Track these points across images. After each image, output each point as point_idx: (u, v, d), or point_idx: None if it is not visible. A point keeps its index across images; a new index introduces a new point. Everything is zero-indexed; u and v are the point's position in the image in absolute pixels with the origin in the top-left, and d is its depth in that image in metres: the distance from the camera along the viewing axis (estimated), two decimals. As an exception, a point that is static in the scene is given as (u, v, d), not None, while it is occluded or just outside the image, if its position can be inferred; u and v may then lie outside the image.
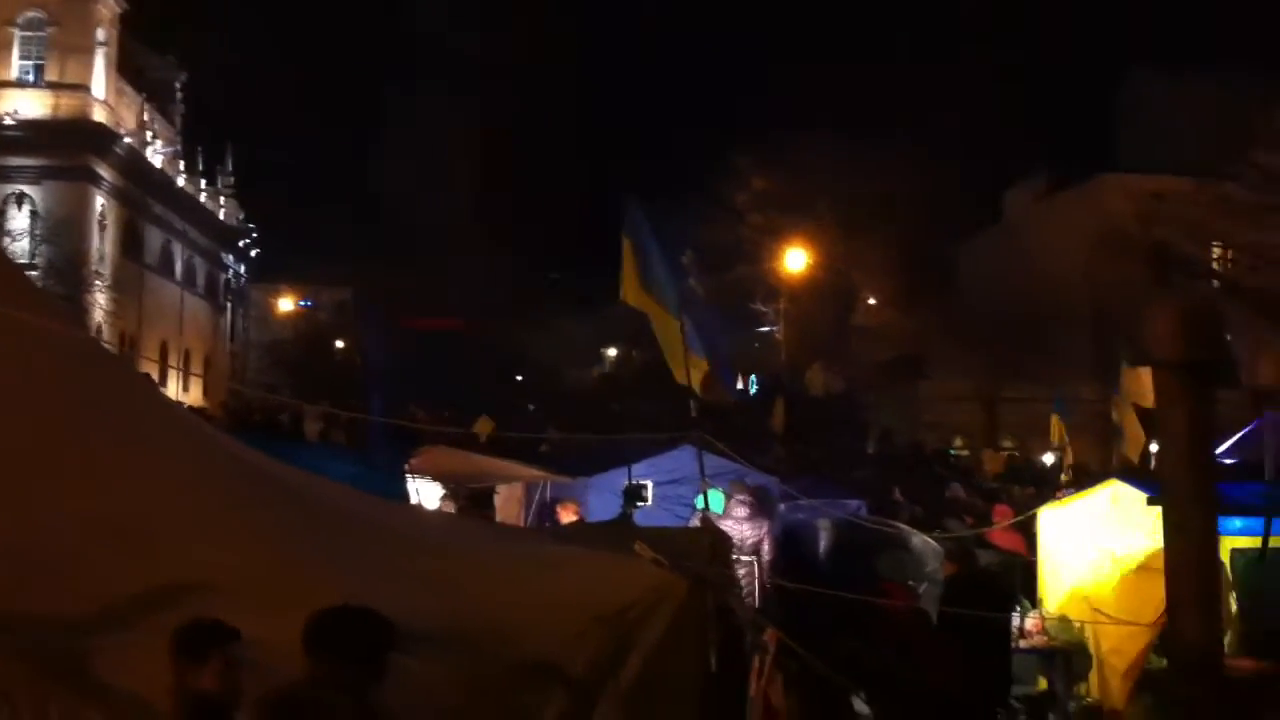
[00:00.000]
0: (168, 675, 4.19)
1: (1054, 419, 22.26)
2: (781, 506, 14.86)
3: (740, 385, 58.47)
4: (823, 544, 14.45)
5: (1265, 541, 7.90)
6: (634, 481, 12.83)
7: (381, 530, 5.23)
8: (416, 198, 73.55)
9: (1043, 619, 11.92)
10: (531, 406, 47.53)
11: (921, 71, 77.44)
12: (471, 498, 15.17)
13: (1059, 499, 13.53)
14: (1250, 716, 5.17)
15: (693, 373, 10.17)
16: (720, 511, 12.37)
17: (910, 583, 11.18)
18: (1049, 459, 26.52)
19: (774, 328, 55.23)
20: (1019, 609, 12.06)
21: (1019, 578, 13.12)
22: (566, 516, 12.56)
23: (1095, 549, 11.39)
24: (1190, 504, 6.18)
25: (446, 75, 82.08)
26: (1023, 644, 11.81)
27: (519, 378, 65.03)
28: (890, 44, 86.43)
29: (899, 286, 55.31)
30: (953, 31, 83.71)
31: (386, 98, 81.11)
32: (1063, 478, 19.19)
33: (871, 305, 58.06)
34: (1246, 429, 15.30)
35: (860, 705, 8.11)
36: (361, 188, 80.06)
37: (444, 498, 14.46)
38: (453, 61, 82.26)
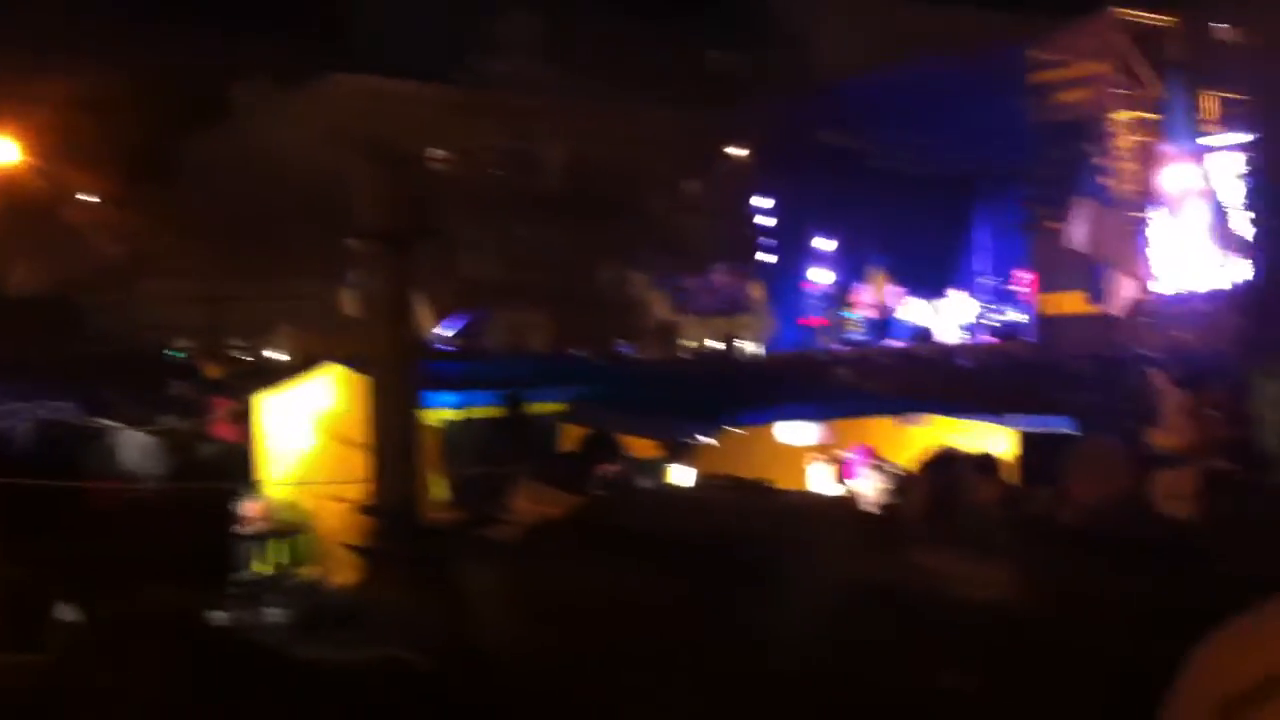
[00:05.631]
0: None
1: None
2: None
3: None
4: (30, 444, 13.75)
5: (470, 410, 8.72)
6: None
7: None
8: None
9: (262, 503, 12.02)
10: None
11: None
12: None
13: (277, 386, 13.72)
14: (446, 564, 5.50)
15: None
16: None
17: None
18: (282, 358, 26.90)
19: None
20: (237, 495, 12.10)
21: (240, 465, 13.23)
22: None
23: (314, 431, 11.73)
24: (390, 365, 6.45)
25: None
26: (244, 530, 11.86)
27: None
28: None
29: (119, 183, 52.50)
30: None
31: None
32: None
33: (91, 202, 54.56)
34: (466, 320, 16.73)
35: (65, 613, 7.65)
36: None
37: None
38: None
